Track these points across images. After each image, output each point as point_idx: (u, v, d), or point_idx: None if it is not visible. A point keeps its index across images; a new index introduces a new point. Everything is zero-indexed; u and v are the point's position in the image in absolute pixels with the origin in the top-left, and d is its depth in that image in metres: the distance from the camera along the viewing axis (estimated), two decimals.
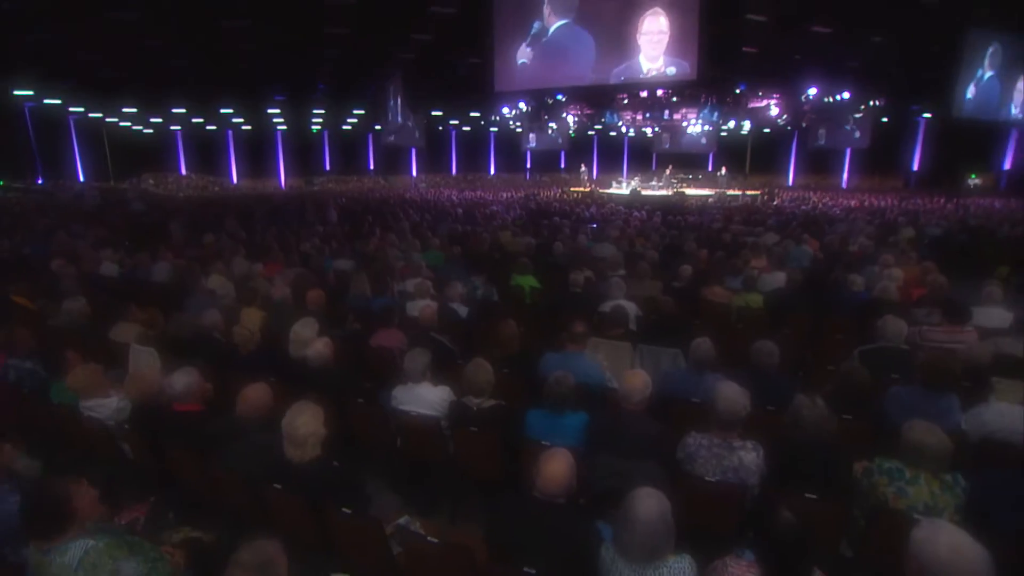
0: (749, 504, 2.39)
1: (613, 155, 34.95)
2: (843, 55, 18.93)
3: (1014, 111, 18.22)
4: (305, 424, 2.28)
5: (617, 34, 16.11)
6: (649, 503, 1.78)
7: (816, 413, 2.46)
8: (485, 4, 16.48)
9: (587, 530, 2.02)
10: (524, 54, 17.18)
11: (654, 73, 16.11)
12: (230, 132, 29.48)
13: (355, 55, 18.84)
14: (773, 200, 19.81)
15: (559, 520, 2.03)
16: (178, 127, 27.86)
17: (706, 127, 25.55)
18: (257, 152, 30.24)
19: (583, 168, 27.96)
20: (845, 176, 29.49)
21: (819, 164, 29.33)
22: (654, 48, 15.89)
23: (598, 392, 3.26)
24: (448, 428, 3.06)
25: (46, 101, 21.44)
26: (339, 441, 2.57)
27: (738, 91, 23.47)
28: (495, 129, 33.42)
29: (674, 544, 1.84)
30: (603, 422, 2.75)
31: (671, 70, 15.78)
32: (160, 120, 26.20)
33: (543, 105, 24.65)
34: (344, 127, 30.86)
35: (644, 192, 22.73)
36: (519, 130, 28.55)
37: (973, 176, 25.83)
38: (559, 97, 23.59)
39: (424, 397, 3.13)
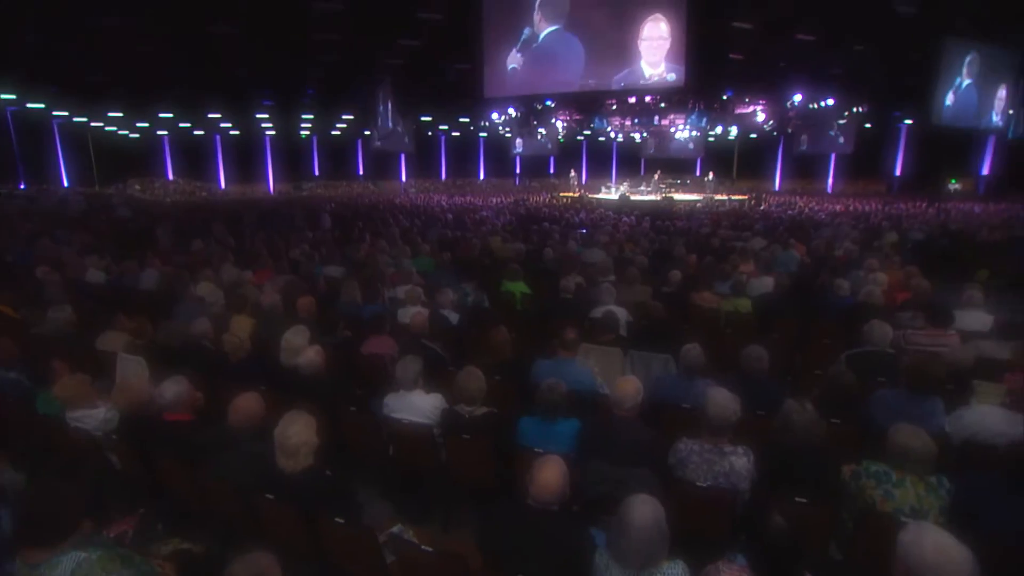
0: (740, 509, 2.42)
1: (602, 160, 35.17)
2: (827, 62, 19.31)
3: (995, 118, 18.69)
4: (297, 434, 2.27)
5: (617, 40, 16.26)
6: (644, 509, 1.79)
7: (805, 418, 2.50)
8: (474, 11, 16.57)
9: (581, 537, 2.03)
10: (515, 60, 17.28)
11: (656, 79, 16.29)
12: (218, 137, 29.25)
13: (344, 60, 18.83)
14: (760, 205, 20.06)
15: (552, 527, 2.04)
16: (165, 132, 27.59)
17: (694, 133, 25.82)
18: (245, 157, 30.03)
19: (572, 173, 28.10)
20: (830, 181, 29.97)
21: (805, 169, 29.79)
22: (655, 53, 16.06)
23: (590, 398, 3.28)
24: (440, 436, 3.07)
25: (29, 105, 21.15)
26: (331, 449, 2.57)
27: (725, 97, 23.80)
28: (484, 134, 33.50)
29: (667, 550, 1.85)
30: (595, 429, 2.76)
31: (671, 75, 15.95)
32: (147, 125, 25.94)
33: (532, 111, 24.77)
34: (333, 132, 30.76)
35: (633, 197, 22.88)
36: (508, 135, 28.66)
37: (953, 181, 26.44)
38: (548, 103, 23.72)
39: (416, 405, 3.13)
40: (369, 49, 18.07)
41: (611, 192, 25.27)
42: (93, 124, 24.81)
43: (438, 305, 4.99)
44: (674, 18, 15.69)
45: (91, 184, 25.40)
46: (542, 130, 26.44)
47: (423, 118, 28.50)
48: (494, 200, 22.41)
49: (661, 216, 14.52)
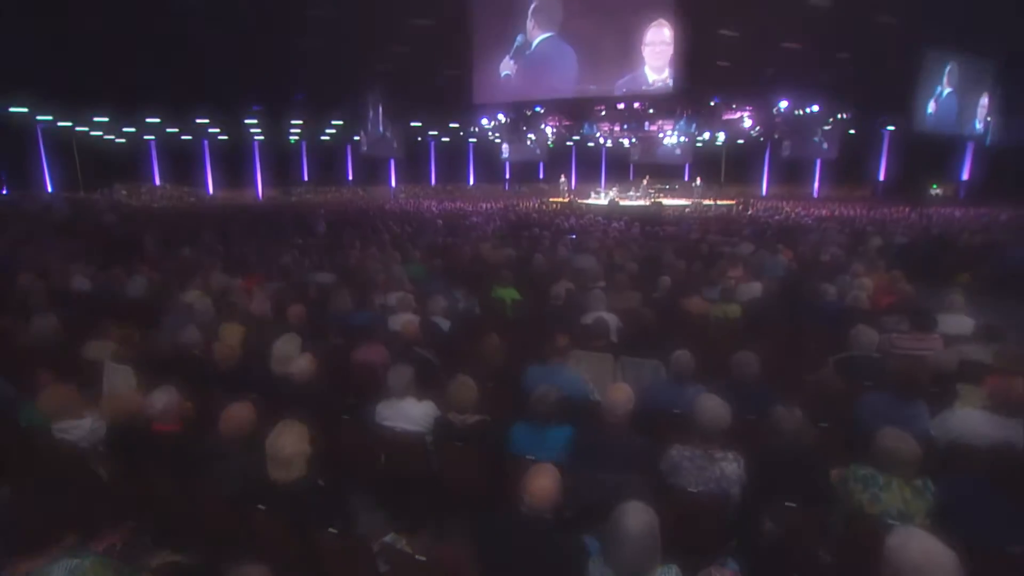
0: (731, 514, 2.45)
1: (591, 165, 35.38)
2: (812, 70, 19.66)
3: (978, 126, 19.19)
4: (290, 444, 2.27)
5: (619, 45, 16.43)
6: (637, 517, 1.81)
7: (794, 423, 2.53)
8: (464, 17, 16.66)
9: (574, 545, 2.05)
10: (507, 66, 17.41)
11: (660, 84, 16.48)
12: (206, 142, 29.03)
13: (334, 66, 18.81)
14: (748, 210, 20.28)
15: (546, 536, 2.05)
16: (152, 137, 27.33)
17: (682, 138, 26.12)
18: (233, 162, 29.81)
19: (563, 179, 28.27)
20: (816, 186, 30.40)
21: (791, 174, 30.19)
22: (659, 58, 16.26)
23: (582, 405, 3.29)
24: (433, 444, 3.06)
25: (12, 109, 20.86)
26: (323, 459, 2.56)
27: (713, 103, 24.12)
28: (474, 140, 33.57)
29: (660, 556, 1.87)
30: (588, 436, 2.78)
31: (670, 81, 16.16)
32: (133, 130, 25.68)
33: (522, 116, 24.91)
34: (322, 138, 30.65)
35: (622, 202, 23.04)
36: (498, 141, 28.76)
37: (935, 186, 27.00)
38: (537, 109, 23.90)
39: (408, 413, 3.13)
40: (359, 55, 18.07)
41: (600, 197, 25.44)
42: (78, 129, 24.51)
43: (429, 312, 4.99)
44: (669, 24, 15.92)
45: (76, 189, 25.06)
46: (531, 136, 26.59)
47: (413, 124, 28.52)
48: (484, 206, 22.43)
49: (650, 222, 14.61)
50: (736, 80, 20.87)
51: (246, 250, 8.62)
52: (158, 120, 24.60)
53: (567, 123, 26.55)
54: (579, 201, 23.96)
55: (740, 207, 20.90)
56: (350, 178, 33.86)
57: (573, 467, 2.57)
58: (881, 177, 28.73)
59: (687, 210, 20.21)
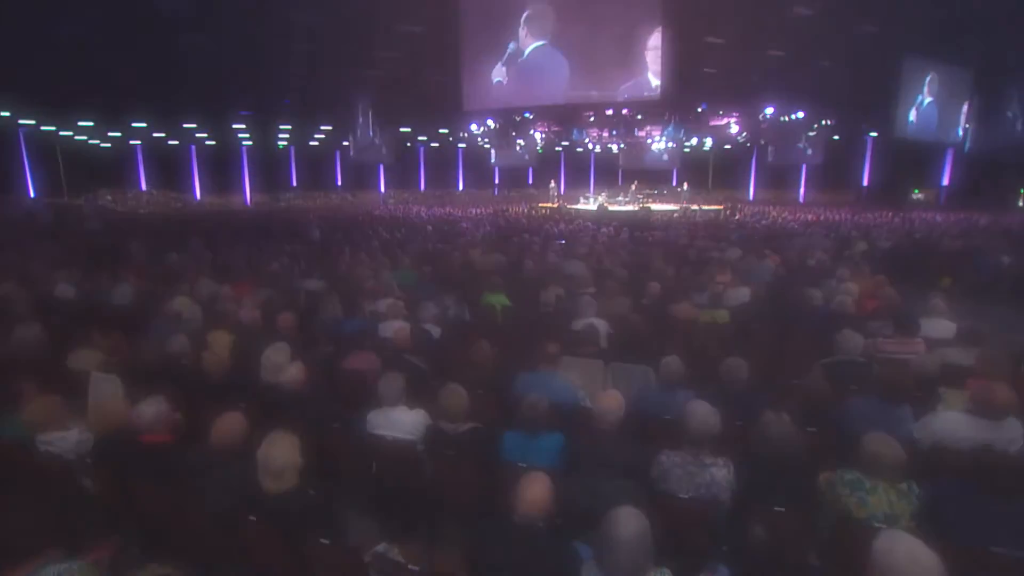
0: (721, 519, 2.47)
1: (580, 171, 35.56)
2: (796, 77, 20.02)
3: (959, 133, 19.71)
4: (281, 454, 2.26)
5: (622, 51, 16.60)
6: (629, 522, 1.83)
7: (782, 428, 2.57)
8: (455, 24, 16.75)
9: (567, 553, 2.06)
10: (500, 73, 17.54)
11: (648, 91, 16.68)
12: (193, 147, 28.76)
13: (323, 71, 18.78)
14: (735, 215, 20.50)
15: (539, 543, 2.05)
16: (138, 142, 27.03)
17: (670, 144, 26.39)
18: (221, 168, 29.54)
19: (552, 184, 28.39)
20: (802, 191, 30.83)
21: (778, 179, 30.63)
22: (647, 66, 16.45)
23: (572, 412, 3.31)
24: (424, 452, 3.06)
25: None
26: (314, 468, 2.55)
27: (700, 110, 24.43)
28: (463, 146, 33.62)
29: (652, 561, 1.89)
30: (579, 443, 2.80)
31: (658, 88, 16.36)
32: (119, 134, 25.39)
33: (511, 122, 25.03)
34: (311, 143, 30.52)
35: (611, 208, 23.17)
36: (487, 147, 28.83)
37: (916, 191, 27.57)
38: (527, 115, 24.05)
39: (400, 421, 3.12)
40: (348, 60, 18.07)
41: (589, 203, 25.58)
42: (62, 133, 24.19)
43: (420, 319, 4.98)
44: (658, 33, 16.14)
45: (60, 195, 24.70)
46: (520, 141, 26.71)
47: (402, 129, 28.51)
48: (473, 211, 22.45)
49: (639, 227, 14.72)
50: (723, 87, 21.20)
51: (234, 257, 8.55)
52: (144, 125, 24.35)
53: (556, 129, 26.73)
54: (568, 206, 24.06)
55: (728, 212, 21.12)
56: (339, 183, 33.73)
57: (565, 474, 2.59)
58: (865, 182, 29.29)
59: (675, 215, 20.38)
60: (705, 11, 15.26)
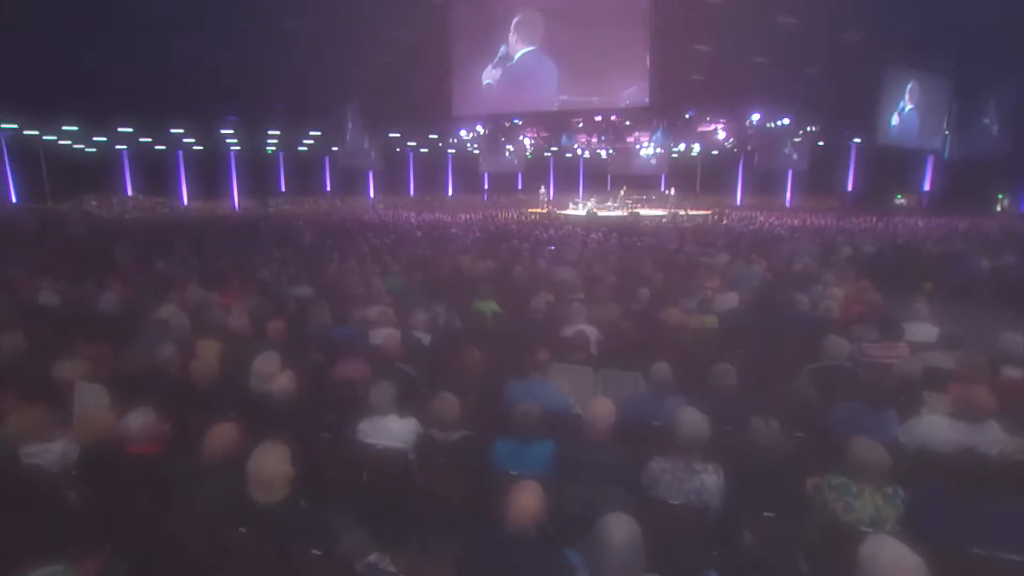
0: (711, 525, 2.49)
1: (569, 176, 35.74)
2: (782, 84, 20.37)
3: (942, 140, 20.22)
4: (272, 465, 2.25)
5: (600, 60, 16.74)
6: (621, 529, 1.84)
7: (770, 434, 2.61)
8: (444, 30, 16.81)
9: (558, 560, 2.07)
10: (490, 75, 17.61)
11: (636, 97, 16.84)
12: (180, 152, 28.51)
13: (312, 77, 18.75)
14: (723, 220, 20.71)
15: (531, 552, 2.06)
16: (124, 146, 26.73)
17: (658, 150, 26.64)
18: (209, 173, 29.31)
19: (542, 189, 28.50)
20: (788, 196, 31.26)
21: (764, 184, 31.03)
22: (635, 73, 16.63)
23: (563, 419, 3.32)
24: (416, 461, 3.06)
25: None
26: (305, 478, 2.53)
27: (687, 116, 24.71)
28: (452, 151, 33.67)
29: (644, 568, 1.90)
30: (570, 450, 2.81)
31: (646, 95, 16.53)
32: (104, 139, 25.10)
33: (500, 128, 25.13)
34: (300, 148, 30.38)
35: (600, 213, 23.30)
36: (476, 152, 28.90)
37: (899, 196, 28.10)
38: (516, 121, 24.17)
39: (391, 430, 3.12)
40: (338, 65, 18.06)
41: (578, 208, 25.70)
42: (46, 138, 23.86)
43: (410, 326, 4.98)
44: (646, 40, 16.34)
45: (43, 200, 24.33)
46: (510, 147, 26.81)
47: (391, 134, 28.48)
48: (463, 217, 22.45)
49: (628, 232, 14.81)
50: (710, 94, 21.50)
51: (223, 263, 8.47)
52: (131, 130, 24.10)
53: (545, 134, 26.90)
54: (558, 212, 24.16)
55: (716, 217, 21.33)
56: (328, 189, 33.60)
57: (556, 481, 2.60)
58: (849, 187, 29.82)
59: (664, 220, 20.54)
60: (692, 19, 15.49)
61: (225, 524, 2.26)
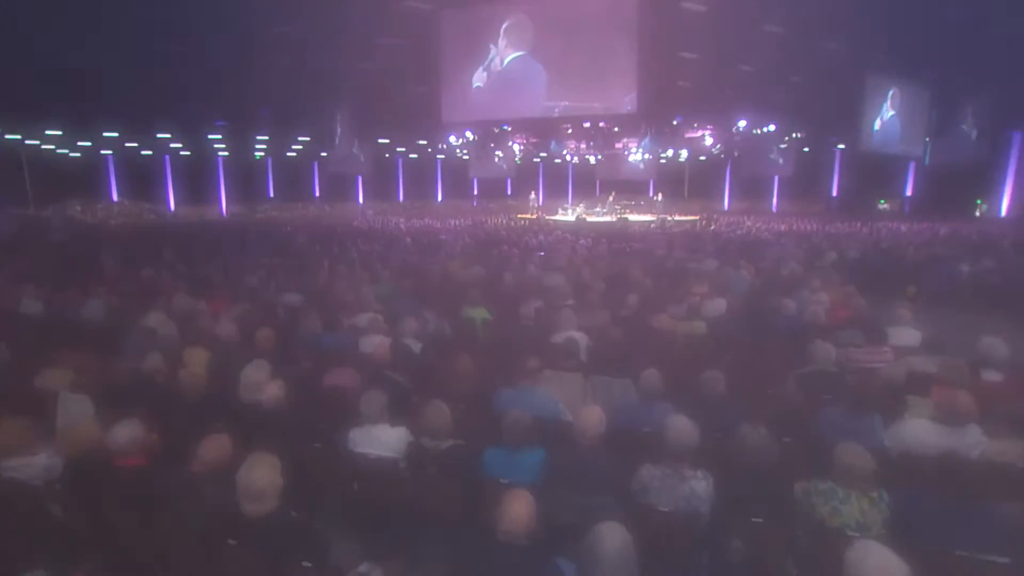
0: (701, 532, 2.51)
1: (558, 181, 35.92)
2: (768, 91, 20.69)
3: (923, 146, 20.67)
4: (262, 476, 2.23)
5: (588, 66, 16.85)
6: (614, 537, 1.86)
7: (759, 440, 2.64)
8: (433, 36, 16.86)
9: (549, 569, 2.07)
10: (480, 78, 17.68)
11: (624, 104, 16.96)
12: (167, 157, 28.22)
13: (301, 82, 18.70)
14: (711, 226, 20.91)
15: (521, 561, 2.07)
16: (109, 151, 26.41)
17: (646, 155, 26.88)
18: (196, 178, 29.05)
19: (532, 195, 28.62)
20: (775, 201, 31.68)
21: (751, 190, 31.45)
22: (623, 79, 16.78)
23: (554, 427, 3.33)
24: (407, 470, 3.05)
25: None
26: (295, 488, 2.52)
27: (675, 122, 24.98)
28: (442, 157, 33.69)
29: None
30: (560, 458, 2.82)
31: (635, 101, 16.68)
32: (89, 144, 24.78)
33: (489, 134, 25.22)
34: (289, 154, 30.23)
35: (589, 219, 23.42)
36: (466, 158, 28.95)
37: (882, 202, 28.63)
38: (505, 127, 24.27)
39: (382, 439, 3.11)
40: (327, 71, 18.03)
41: (568, 213, 25.83)
42: (28, 142, 23.52)
43: (400, 334, 4.96)
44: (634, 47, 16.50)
45: (25, 206, 23.95)
46: (499, 153, 26.90)
47: (380, 140, 28.45)
48: (452, 222, 22.45)
49: (617, 238, 14.89)
50: (697, 100, 21.77)
51: (211, 270, 8.38)
52: (116, 135, 23.84)
53: (534, 140, 27.04)
54: (547, 217, 24.25)
55: (703, 223, 21.54)
56: (317, 195, 33.46)
57: (547, 489, 2.61)
58: (834, 192, 30.33)
59: (652, 226, 20.69)
60: (679, 28, 15.70)
61: (214, 536, 2.24)
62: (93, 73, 16.14)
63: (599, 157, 28.60)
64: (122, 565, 2.47)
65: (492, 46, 17.42)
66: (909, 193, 28.39)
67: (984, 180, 24.48)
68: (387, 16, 14.99)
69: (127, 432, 2.71)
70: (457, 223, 21.97)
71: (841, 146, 28.24)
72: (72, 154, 25.30)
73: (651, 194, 30.29)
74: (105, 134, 23.72)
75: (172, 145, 26.51)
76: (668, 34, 16.07)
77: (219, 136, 26.70)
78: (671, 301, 6.21)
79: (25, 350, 4.62)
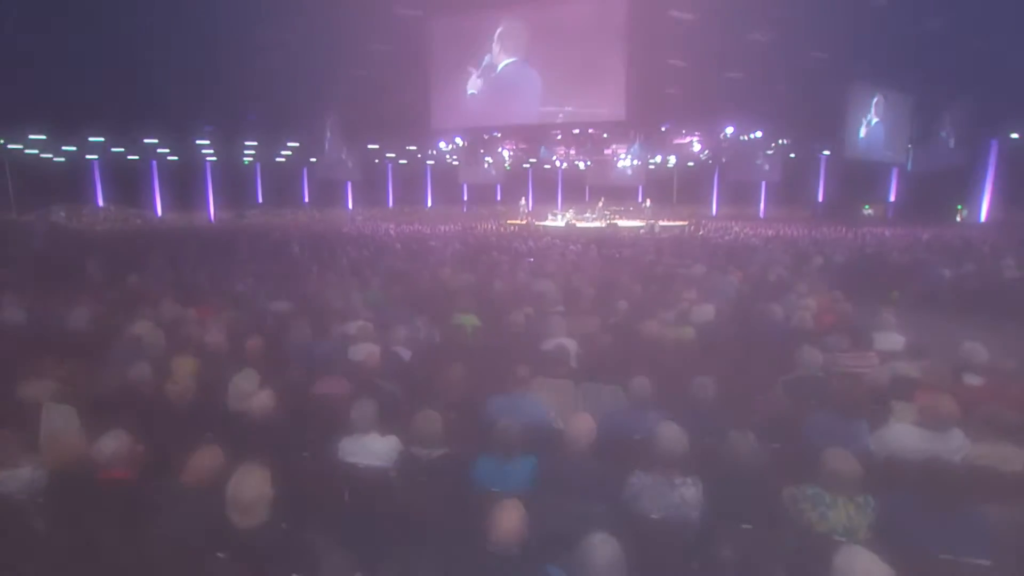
0: (691, 538, 2.53)
1: (548, 187, 36.06)
2: (754, 98, 21.01)
3: (905, 152, 21.10)
4: (251, 488, 2.21)
5: (580, 73, 16.97)
6: (604, 549, 1.87)
7: (748, 447, 2.67)
8: (423, 42, 16.90)
9: None
10: (474, 85, 17.71)
11: (614, 110, 17.09)
12: (154, 162, 27.94)
13: (290, 87, 18.65)
14: (699, 231, 21.09)
15: (513, 570, 2.07)
16: (95, 156, 26.08)
17: (635, 161, 27.08)
18: (184, 184, 28.77)
19: (522, 201, 28.70)
20: (762, 206, 32.08)
21: (739, 195, 31.84)
22: (613, 86, 16.93)
23: (544, 434, 3.34)
24: (398, 479, 3.04)
25: None
26: (285, 499, 2.50)
27: (663, 129, 25.22)
28: (432, 162, 33.71)
29: None
30: (551, 465, 2.83)
31: (624, 108, 16.81)
32: (74, 148, 24.48)
33: (479, 140, 25.28)
34: (278, 159, 30.08)
35: (579, 224, 23.52)
36: (456, 163, 28.99)
37: (867, 207, 29.13)
38: (495, 133, 24.36)
39: (372, 448, 3.10)
40: (316, 77, 18.00)
41: (557, 219, 25.92)
42: (11, 147, 23.18)
43: (390, 341, 4.95)
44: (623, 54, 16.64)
45: (7, 211, 23.57)
46: (489, 159, 26.97)
47: (370, 146, 28.41)
48: (442, 228, 22.44)
49: (607, 244, 14.96)
50: (685, 107, 22.04)
51: (198, 277, 8.30)
52: (102, 139, 23.58)
53: (523, 146, 27.16)
54: (537, 223, 24.31)
55: (692, 228, 21.72)
56: (306, 200, 33.30)
57: (538, 497, 2.61)
58: (820, 198, 30.80)
59: (641, 231, 20.83)
60: (668, 36, 15.91)
61: (203, 550, 2.21)
62: (78, 76, 15.97)
63: (588, 163, 28.77)
64: None
65: (487, 53, 17.49)
66: (892, 199, 28.92)
67: (964, 186, 25.05)
68: (377, 22, 15.02)
69: (113, 444, 2.68)
70: (447, 229, 21.97)
71: (826, 152, 28.77)
72: (56, 159, 24.97)
73: (640, 200, 30.48)
74: (91, 139, 23.44)
75: (159, 150, 26.27)
76: (657, 42, 16.27)
77: (207, 141, 26.51)
78: (660, 307, 6.25)
79: (7, 359, 4.54)
